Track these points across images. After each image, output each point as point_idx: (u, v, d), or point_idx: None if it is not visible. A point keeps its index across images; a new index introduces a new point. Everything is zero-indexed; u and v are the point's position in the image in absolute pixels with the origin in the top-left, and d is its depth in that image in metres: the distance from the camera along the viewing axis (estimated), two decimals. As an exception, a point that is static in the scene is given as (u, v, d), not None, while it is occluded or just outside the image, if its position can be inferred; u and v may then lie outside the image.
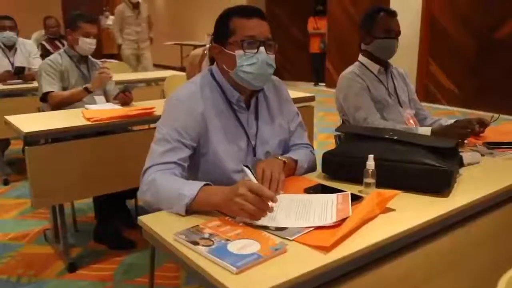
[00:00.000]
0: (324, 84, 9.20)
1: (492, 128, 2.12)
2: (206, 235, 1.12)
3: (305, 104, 3.24)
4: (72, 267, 2.41)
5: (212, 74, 1.59)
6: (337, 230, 1.13)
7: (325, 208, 1.27)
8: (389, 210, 1.29)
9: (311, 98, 3.29)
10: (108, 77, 2.90)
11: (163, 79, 4.14)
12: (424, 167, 1.40)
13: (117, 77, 3.40)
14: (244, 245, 1.07)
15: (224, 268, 0.98)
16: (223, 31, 1.51)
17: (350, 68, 2.28)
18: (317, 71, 9.32)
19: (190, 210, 1.27)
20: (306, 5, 9.36)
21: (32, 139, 2.26)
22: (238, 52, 1.47)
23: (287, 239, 1.12)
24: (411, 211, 1.29)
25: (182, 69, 7.52)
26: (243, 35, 1.47)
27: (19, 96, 3.85)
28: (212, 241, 1.09)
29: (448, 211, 1.30)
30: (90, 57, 3.10)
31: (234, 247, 1.06)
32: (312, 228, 1.17)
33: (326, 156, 1.59)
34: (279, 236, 1.13)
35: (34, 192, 2.26)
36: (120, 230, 2.76)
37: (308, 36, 9.26)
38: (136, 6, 6.56)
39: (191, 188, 1.27)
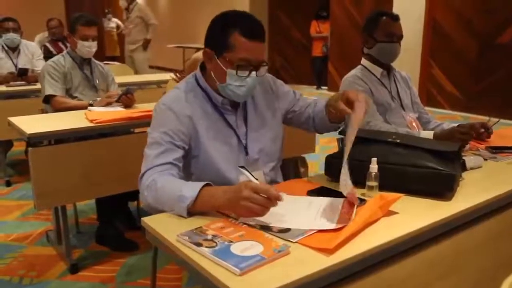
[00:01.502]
0: (326, 87, 9.21)
1: (495, 132, 2.12)
2: (209, 237, 1.12)
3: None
4: (74, 269, 2.41)
5: (196, 80, 1.60)
6: (340, 233, 1.13)
7: (329, 212, 1.27)
8: (392, 213, 1.29)
9: (314, 102, 3.28)
10: (114, 102, 2.89)
11: (165, 82, 4.15)
12: (427, 170, 1.41)
13: (118, 79, 3.41)
14: (247, 246, 1.07)
15: (227, 269, 0.99)
16: (220, 41, 1.46)
17: (352, 72, 2.29)
18: (319, 74, 9.32)
19: (192, 211, 1.27)
20: (309, 9, 9.37)
21: (35, 140, 2.27)
22: (230, 72, 1.46)
23: (290, 241, 1.12)
24: (414, 214, 1.30)
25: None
26: (239, 57, 1.44)
27: (22, 98, 3.86)
28: (215, 242, 1.09)
29: (451, 214, 1.30)
30: (93, 58, 3.11)
31: (237, 248, 1.06)
32: (315, 231, 1.17)
33: (329, 159, 1.59)
34: (282, 238, 1.13)
35: (37, 193, 2.27)
36: (122, 231, 2.76)
37: (311, 39, 9.27)
38: (127, 9, 6.55)
39: (192, 190, 1.27)
